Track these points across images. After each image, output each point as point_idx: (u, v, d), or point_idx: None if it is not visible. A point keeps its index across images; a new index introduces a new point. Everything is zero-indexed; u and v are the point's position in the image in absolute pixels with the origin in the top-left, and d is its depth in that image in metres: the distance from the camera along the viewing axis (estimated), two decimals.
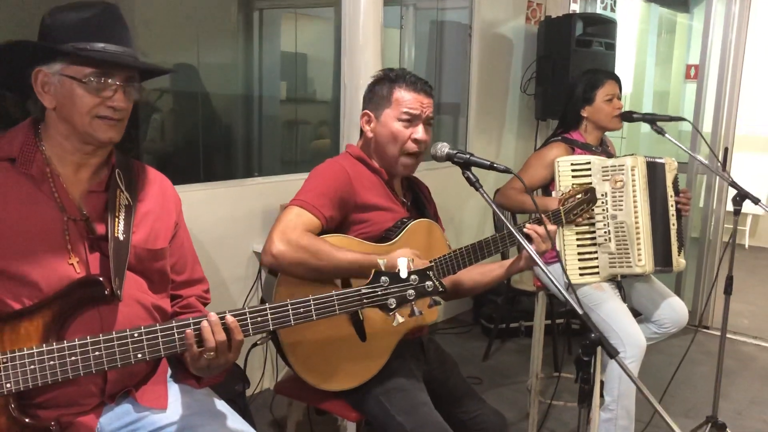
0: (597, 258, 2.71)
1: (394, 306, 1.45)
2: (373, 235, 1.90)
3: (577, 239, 2.72)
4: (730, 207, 4.87)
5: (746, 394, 3.63)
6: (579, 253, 2.72)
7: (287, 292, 1.76)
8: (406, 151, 1.94)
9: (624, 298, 2.83)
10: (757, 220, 7.09)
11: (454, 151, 1.82)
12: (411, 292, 1.47)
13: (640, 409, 2.78)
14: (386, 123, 1.94)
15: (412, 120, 1.93)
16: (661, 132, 2.76)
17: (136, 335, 1.33)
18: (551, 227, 1.99)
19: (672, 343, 3.47)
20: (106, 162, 1.54)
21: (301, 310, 1.42)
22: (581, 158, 2.72)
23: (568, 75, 4.37)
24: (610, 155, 2.89)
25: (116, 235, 1.44)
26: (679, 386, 3.57)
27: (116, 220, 1.45)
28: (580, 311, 1.59)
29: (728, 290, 2.72)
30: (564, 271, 2.35)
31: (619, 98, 2.87)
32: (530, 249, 1.66)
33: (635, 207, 2.64)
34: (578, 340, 3.91)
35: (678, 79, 6.97)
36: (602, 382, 2.95)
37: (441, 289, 1.49)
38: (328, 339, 1.78)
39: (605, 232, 2.68)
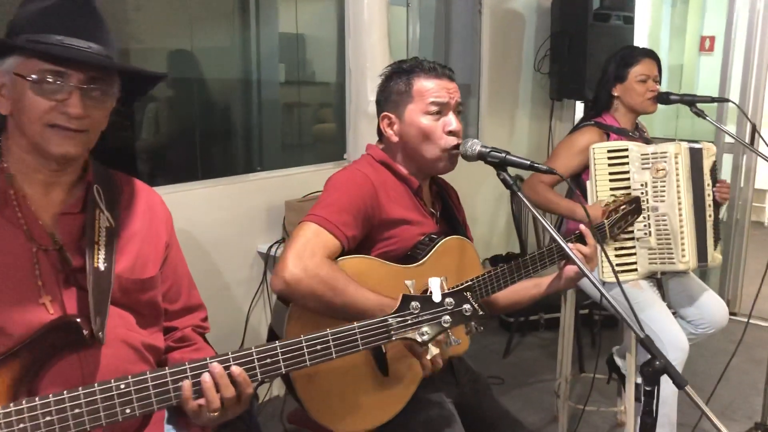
0: (635, 254, 2.47)
1: (427, 337, 1.21)
2: (398, 254, 1.65)
3: None
4: (758, 185, 4.71)
5: None
6: (615, 248, 2.48)
7: (299, 332, 1.51)
8: (446, 148, 1.68)
9: (663, 296, 2.60)
10: None
11: (488, 149, 1.57)
12: (447, 318, 1.23)
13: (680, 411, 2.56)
14: (413, 120, 1.68)
15: (441, 110, 1.67)
16: (701, 114, 2.51)
17: (122, 386, 1.09)
18: (590, 249, 1.73)
19: None
20: (81, 178, 1.29)
21: (319, 347, 1.18)
22: (618, 144, 2.47)
23: (585, 52, 4.12)
24: (647, 141, 2.64)
25: (96, 265, 1.19)
26: (710, 380, 3.35)
27: (96, 246, 1.21)
28: (641, 335, 1.36)
29: None
30: (612, 268, 2.10)
31: (657, 80, 2.60)
32: (587, 271, 1.42)
33: (678, 198, 2.39)
34: (605, 334, 3.70)
35: (692, 52, 6.69)
36: (637, 384, 2.73)
37: (481, 313, 1.26)
38: (345, 372, 1.53)
39: (645, 226, 2.43)
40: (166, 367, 1.12)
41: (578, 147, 2.56)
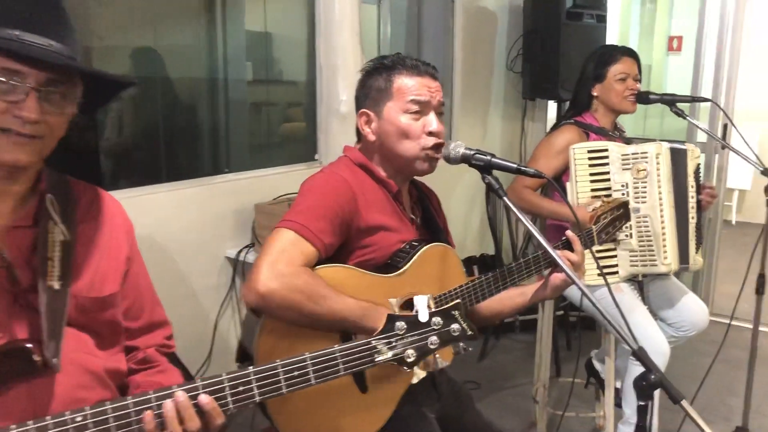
0: (616, 256, 2.42)
1: (413, 359, 1.12)
2: (377, 262, 1.56)
3: None
4: (730, 184, 4.73)
5: (760, 387, 3.39)
6: (596, 251, 2.42)
7: (272, 345, 1.42)
8: (424, 147, 1.59)
9: (644, 300, 2.55)
10: (743, 195, 6.90)
11: (472, 152, 1.49)
12: (434, 339, 1.14)
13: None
14: (391, 119, 1.59)
15: (421, 110, 1.58)
16: (681, 114, 2.47)
17: (79, 419, 0.98)
18: (578, 257, 1.66)
19: None
20: (34, 189, 1.17)
21: (296, 373, 1.08)
22: (598, 144, 2.42)
23: (558, 51, 4.07)
24: (627, 141, 2.58)
25: (49, 283, 1.08)
26: (686, 382, 3.32)
27: (49, 263, 1.09)
28: (634, 346, 1.30)
29: (761, 290, 2.44)
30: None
31: (637, 79, 2.55)
32: (577, 280, 1.35)
33: (660, 199, 2.34)
34: (581, 335, 3.65)
35: (661, 52, 6.72)
36: (616, 389, 2.69)
37: (470, 333, 1.17)
38: (321, 389, 1.43)
39: (626, 227, 2.37)
40: (129, 397, 1.01)
41: (558, 147, 2.50)
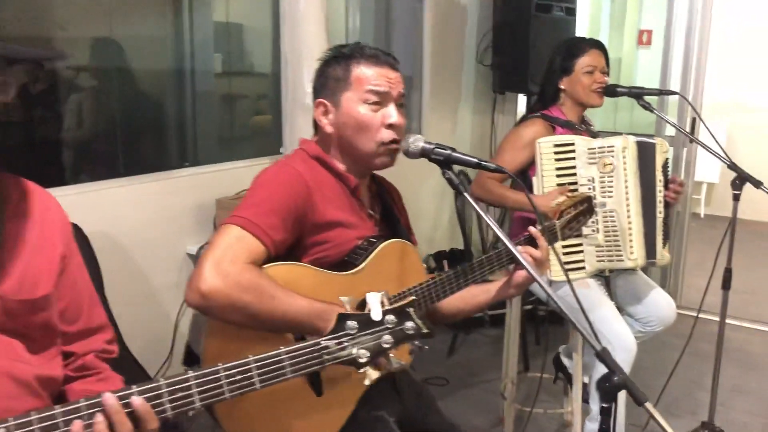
0: (582, 251, 2.39)
1: (366, 359, 1.07)
2: (333, 260, 1.50)
3: None
4: (698, 178, 4.75)
5: (726, 381, 3.40)
6: (562, 246, 2.39)
7: (220, 348, 1.35)
8: (383, 141, 1.53)
9: (610, 295, 2.52)
10: (712, 188, 6.96)
11: (431, 146, 1.44)
12: (387, 338, 1.09)
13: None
14: (349, 110, 1.53)
15: (380, 101, 1.52)
16: (649, 108, 2.44)
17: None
18: (542, 253, 1.62)
19: None
20: None
21: (239, 377, 1.02)
22: (564, 138, 2.38)
23: (527, 44, 4.04)
24: (594, 135, 2.55)
25: None
26: (654, 376, 3.32)
27: None
28: (597, 347, 1.26)
29: (727, 285, 2.42)
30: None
31: (605, 72, 2.52)
32: (538, 278, 1.31)
33: (626, 193, 2.32)
34: (550, 330, 3.63)
35: (631, 46, 6.74)
36: (584, 384, 2.67)
37: (425, 331, 1.12)
38: (272, 391, 1.37)
39: (592, 222, 2.35)
40: (57, 406, 0.94)
41: (524, 140, 2.46)
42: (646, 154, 2.37)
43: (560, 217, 1.77)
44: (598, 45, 2.52)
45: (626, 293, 2.60)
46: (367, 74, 1.52)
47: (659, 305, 2.55)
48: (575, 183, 2.36)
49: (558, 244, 2.37)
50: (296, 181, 1.46)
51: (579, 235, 2.31)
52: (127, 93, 3.18)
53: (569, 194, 1.83)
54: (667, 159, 2.47)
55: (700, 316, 3.77)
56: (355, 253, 1.49)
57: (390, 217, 1.70)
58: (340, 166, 1.58)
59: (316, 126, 1.62)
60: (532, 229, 1.64)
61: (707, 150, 2.29)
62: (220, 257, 1.31)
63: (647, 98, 2.47)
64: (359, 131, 1.52)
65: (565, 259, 2.39)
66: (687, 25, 4.16)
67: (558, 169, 2.35)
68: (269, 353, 1.03)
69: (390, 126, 1.52)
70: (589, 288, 2.43)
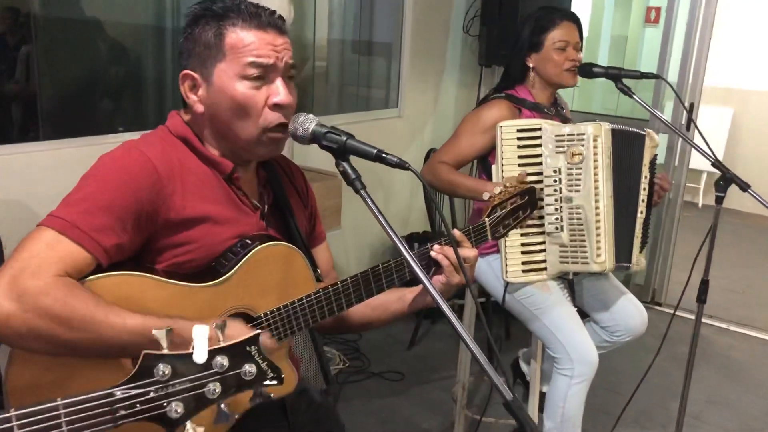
0: (545, 251, 2.13)
1: (179, 415, 0.81)
2: (199, 265, 1.23)
3: (521, 227, 2.11)
4: (693, 165, 4.46)
5: (703, 391, 3.16)
6: (523, 245, 2.13)
7: (29, 380, 1.08)
8: (267, 127, 1.24)
9: (573, 300, 2.27)
10: (711, 177, 6.66)
11: (324, 130, 1.16)
12: (213, 387, 0.83)
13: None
14: (223, 86, 1.23)
15: (263, 75, 1.24)
16: (627, 92, 2.16)
17: None
18: (467, 252, 1.36)
19: None
20: None
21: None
22: (530, 123, 2.10)
23: (516, 14, 3.73)
24: (565, 119, 2.27)
25: None
26: (625, 380, 3.08)
27: None
28: (507, 396, 1.01)
29: (702, 298, 2.16)
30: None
31: (578, 48, 2.22)
32: (435, 293, 1.04)
33: (596, 188, 2.04)
34: (518, 323, 3.39)
35: (637, 23, 6.39)
36: (542, 393, 2.43)
37: (271, 375, 0.86)
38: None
39: (557, 219, 2.08)
40: None
41: (485, 123, 2.18)
42: (626, 144, 2.09)
43: (491, 213, 1.50)
44: (571, 17, 2.21)
45: (592, 298, 2.34)
46: (246, 41, 1.22)
47: (628, 313, 2.29)
48: (540, 173, 2.08)
49: (517, 242, 2.13)
50: (141, 169, 1.17)
51: (540, 228, 2.06)
52: (103, 48, 2.92)
53: (507, 186, 1.54)
54: (656, 155, 2.20)
55: (683, 315, 3.53)
56: (225, 258, 1.22)
57: (283, 207, 1.41)
58: (213, 151, 1.29)
59: (185, 103, 1.32)
60: (455, 230, 1.38)
61: (692, 146, 2.01)
62: (20, 270, 1.03)
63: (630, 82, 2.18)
64: (237, 114, 1.24)
65: (524, 258, 2.13)
66: (691, 3, 3.84)
67: (521, 157, 2.07)
68: (43, 404, 0.76)
69: (276, 106, 1.24)
70: (550, 292, 2.17)
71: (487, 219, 1.48)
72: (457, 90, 4.32)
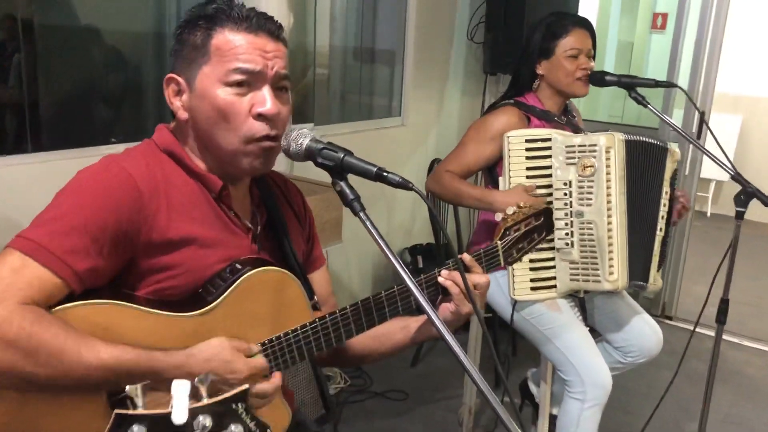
0: (554, 267, 2.02)
1: None
2: (184, 292, 1.12)
3: None
4: (704, 175, 4.36)
5: (718, 410, 3.04)
6: (531, 260, 2.02)
7: (6, 414, 0.97)
8: (249, 137, 1.14)
9: (585, 320, 2.16)
10: (720, 186, 6.55)
11: (319, 146, 1.06)
12: None
13: None
14: (205, 91, 1.13)
15: (250, 82, 1.13)
16: (641, 101, 2.05)
17: None
18: (478, 279, 1.26)
19: None
20: None
21: None
22: (539, 132, 2.00)
23: (522, 21, 3.63)
24: (576, 129, 2.17)
25: None
26: (641, 400, 2.96)
27: None
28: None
29: (722, 318, 2.05)
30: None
31: (591, 55, 2.12)
32: (444, 330, 0.94)
33: (608, 202, 1.94)
34: (522, 346, 3.27)
35: (644, 29, 6.30)
36: (552, 416, 2.31)
37: None
38: None
39: (567, 234, 1.98)
40: None
41: (492, 131, 2.07)
42: (643, 156, 1.99)
43: (504, 236, 1.39)
44: (584, 23, 2.11)
45: (605, 317, 2.23)
46: (234, 44, 1.12)
47: (643, 334, 2.18)
48: (549, 186, 1.99)
49: (526, 257, 2.02)
50: (120, 186, 1.07)
51: (550, 244, 1.95)
52: (100, 56, 2.84)
53: (520, 206, 1.43)
54: (677, 169, 2.09)
55: (698, 330, 3.42)
56: (212, 284, 1.11)
57: (278, 228, 1.30)
58: (200, 165, 1.19)
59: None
60: (466, 256, 1.27)
61: (710, 158, 1.91)
62: None
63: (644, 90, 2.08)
64: (217, 122, 1.13)
65: (533, 275, 2.02)
66: (701, 9, 3.74)
67: (529, 168, 1.98)
68: None
69: (260, 116, 1.13)
70: (560, 311, 2.06)
71: (499, 242, 1.37)
72: (461, 98, 4.22)
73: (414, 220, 4.07)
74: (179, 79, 1.16)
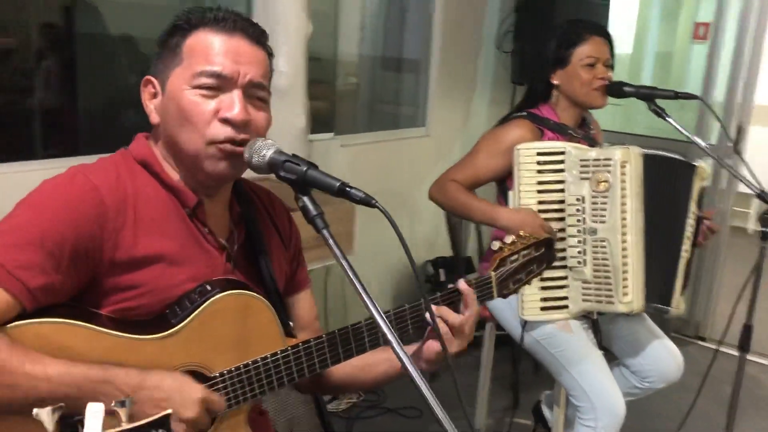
0: (567, 287, 1.93)
1: None
2: (149, 312, 1.06)
3: None
4: (741, 189, 4.19)
5: None
6: (542, 279, 1.92)
7: None
8: (211, 140, 1.07)
9: (600, 342, 2.05)
10: None
11: (282, 158, 1.00)
12: None
13: None
14: (172, 92, 1.08)
15: (220, 86, 1.07)
16: (660, 113, 1.95)
17: None
18: (454, 319, 1.18)
19: None
20: None
21: None
22: (552, 145, 1.92)
23: (551, 29, 3.53)
24: (593, 142, 2.07)
25: None
26: (660, 423, 2.82)
27: None
28: None
29: (745, 346, 1.93)
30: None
31: (609, 64, 2.02)
32: (397, 348, 0.88)
33: (623, 219, 1.84)
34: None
35: (684, 39, 6.12)
36: None
37: None
38: None
39: (579, 252, 1.89)
40: None
41: (503, 145, 1.99)
42: (666, 173, 1.89)
43: (499, 266, 1.31)
44: (601, 31, 2.02)
45: (621, 340, 2.12)
46: (205, 45, 1.07)
47: (661, 358, 2.07)
48: (562, 201, 1.90)
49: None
50: (83, 199, 1.01)
51: (562, 262, 1.86)
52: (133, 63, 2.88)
53: (522, 233, 1.35)
54: (704, 188, 1.98)
55: (727, 351, 3.26)
56: (180, 306, 1.05)
57: (256, 246, 1.23)
58: (174, 176, 1.13)
59: None
60: (462, 284, 1.20)
61: (734, 175, 1.80)
62: None
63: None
64: (182, 123, 1.07)
65: (543, 294, 1.94)
66: (740, 18, 3.59)
67: (541, 183, 1.89)
68: None
69: (225, 121, 1.07)
70: (572, 333, 1.97)
71: (493, 273, 1.29)
72: (488, 108, 4.13)
73: (437, 232, 3.99)
74: (154, 80, 1.12)
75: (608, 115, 4.19)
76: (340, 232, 2.50)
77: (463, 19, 3.85)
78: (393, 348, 0.90)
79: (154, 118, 1.12)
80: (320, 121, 3.34)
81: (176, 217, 1.11)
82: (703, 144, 1.92)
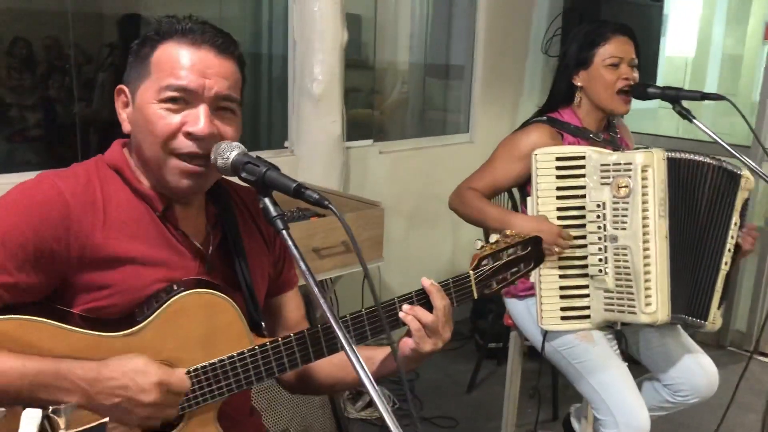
0: (588, 296, 1.86)
1: None
2: (120, 311, 1.08)
3: (560, 267, 1.86)
4: None
5: None
6: (561, 288, 1.87)
7: None
8: (174, 152, 1.08)
9: (624, 354, 1.97)
10: None
11: (244, 159, 1.00)
12: None
13: None
14: (141, 105, 1.09)
15: (186, 99, 1.07)
16: (686, 115, 1.86)
17: None
18: (424, 316, 1.15)
19: None
20: None
21: None
22: (571, 150, 1.86)
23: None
24: (616, 146, 1.99)
25: None
26: None
27: None
28: None
29: None
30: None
31: (634, 64, 1.95)
32: (350, 352, 0.86)
33: (645, 226, 1.77)
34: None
35: (755, 40, 5.84)
36: None
37: None
38: None
39: (601, 260, 1.82)
40: None
41: (522, 150, 1.94)
42: (694, 177, 1.81)
43: (479, 265, 1.27)
44: (626, 30, 1.94)
45: (652, 351, 2.03)
46: (171, 59, 1.07)
47: (692, 372, 1.97)
48: (582, 207, 1.84)
49: (555, 285, 1.88)
50: (46, 202, 1.04)
51: (583, 270, 1.80)
52: None
53: (508, 232, 1.31)
54: (747, 199, 1.87)
55: (760, 359, 3.08)
56: (147, 304, 1.07)
57: (232, 248, 1.22)
58: (144, 183, 1.14)
59: None
60: (426, 282, 1.17)
61: (761, 176, 1.70)
62: None
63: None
64: (147, 136, 1.09)
65: (564, 303, 1.87)
66: None
67: (560, 189, 1.83)
68: None
69: (189, 135, 1.07)
70: (594, 343, 1.90)
71: (472, 272, 1.26)
72: None
73: (455, 249, 3.90)
74: (127, 91, 1.14)
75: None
76: (369, 237, 2.49)
77: (508, 25, 3.79)
78: (345, 350, 0.88)
79: (126, 126, 1.14)
80: (360, 127, 3.35)
81: (148, 220, 1.12)
82: (728, 147, 1.82)
